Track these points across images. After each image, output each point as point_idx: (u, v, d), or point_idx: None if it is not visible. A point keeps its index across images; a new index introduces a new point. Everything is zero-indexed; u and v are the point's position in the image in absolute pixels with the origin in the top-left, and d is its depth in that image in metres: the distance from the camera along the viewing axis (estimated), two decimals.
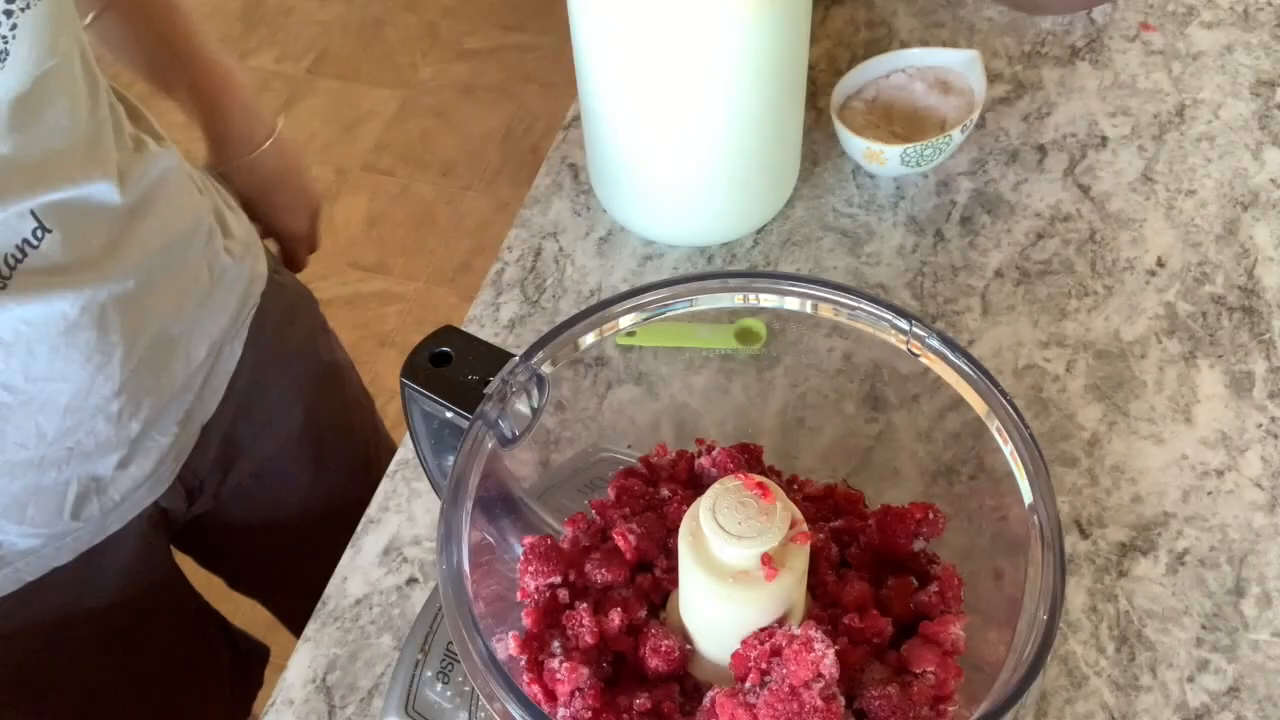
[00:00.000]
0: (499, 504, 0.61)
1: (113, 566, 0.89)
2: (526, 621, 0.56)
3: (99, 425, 0.78)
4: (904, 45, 1.05)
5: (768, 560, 0.51)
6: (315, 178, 1.08)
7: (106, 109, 0.76)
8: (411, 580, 0.77)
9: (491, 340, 0.60)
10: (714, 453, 0.63)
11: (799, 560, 0.52)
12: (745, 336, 0.80)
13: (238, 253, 0.90)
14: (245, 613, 1.17)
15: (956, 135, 0.92)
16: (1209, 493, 0.77)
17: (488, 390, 0.57)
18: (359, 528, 0.80)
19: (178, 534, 0.98)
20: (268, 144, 0.97)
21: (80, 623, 0.90)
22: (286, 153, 1.01)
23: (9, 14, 0.61)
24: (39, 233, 0.69)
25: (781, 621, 0.53)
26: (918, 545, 0.60)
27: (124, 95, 0.83)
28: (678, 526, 0.53)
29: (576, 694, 0.53)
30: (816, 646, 0.50)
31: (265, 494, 1.00)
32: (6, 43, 0.62)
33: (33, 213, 0.69)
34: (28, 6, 0.62)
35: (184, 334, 0.84)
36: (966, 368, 0.58)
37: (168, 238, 0.81)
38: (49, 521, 0.80)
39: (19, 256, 0.69)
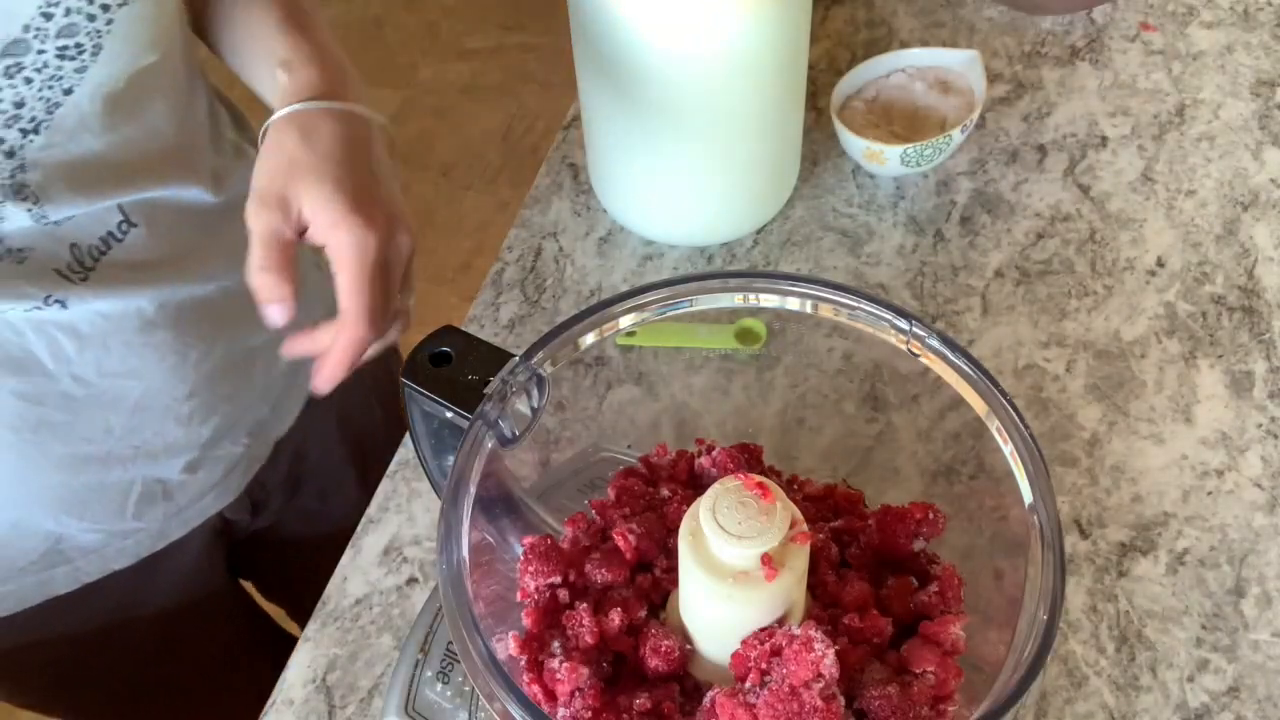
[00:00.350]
0: (499, 504, 0.61)
1: (172, 573, 0.89)
2: (526, 621, 0.56)
3: (168, 426, 0.78)
4: (904, 45, 1.05)
5: (768, 560, 0.51)
6: (406, 210, 0.69)
7: (205, 113, 0.76)
8: (411, 580, 0.77)
9: (491, 340, 0.60)
10: (714, 453, 0.63)
11: (799, 560, 0.52)
12: (745, 336, 0.80)
13: (326, 269, 0.89)
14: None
15: (956, 135, 0.92)
16: (1209, 493, 0.77)
17: (488, 390, 0.57)
18: (359, 528, 0.80)
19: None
20: (322, 105, 0.66)
21: (134, 627, 0.90)
22: (352, 139, 0.66)
23: (106, 8, 0.61)
24: (124, 226, 0.69)
25: (781, 621, 0.53)
26: (918, 545, 0.59)
27: (230, 102, 0.82)
28: (678, 526, 0.53)
29: (576, 694, 0.53)
30: (816, 646, 0.50)
31: (328, 512, 1.00)
32: (100, 36, 0.62)
33: (120, 207, 0.69)
34: (125, 2, 0.62)
35: (265, 344, 0.83)
36: (966, 368, 0.58)
37: None
38: (110, 519, 0.79)
39: (102, 249, 0.68)
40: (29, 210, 0.64)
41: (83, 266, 0.68)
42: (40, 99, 0.61)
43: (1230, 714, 0.69)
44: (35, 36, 0.59)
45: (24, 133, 0.61)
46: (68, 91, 0.62)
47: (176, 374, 0.76)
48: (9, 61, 0.59)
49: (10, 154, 0.61)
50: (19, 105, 0.60)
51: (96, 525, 0.79)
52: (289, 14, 0.71)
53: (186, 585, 0.91)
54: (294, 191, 0.62)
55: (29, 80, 0.60)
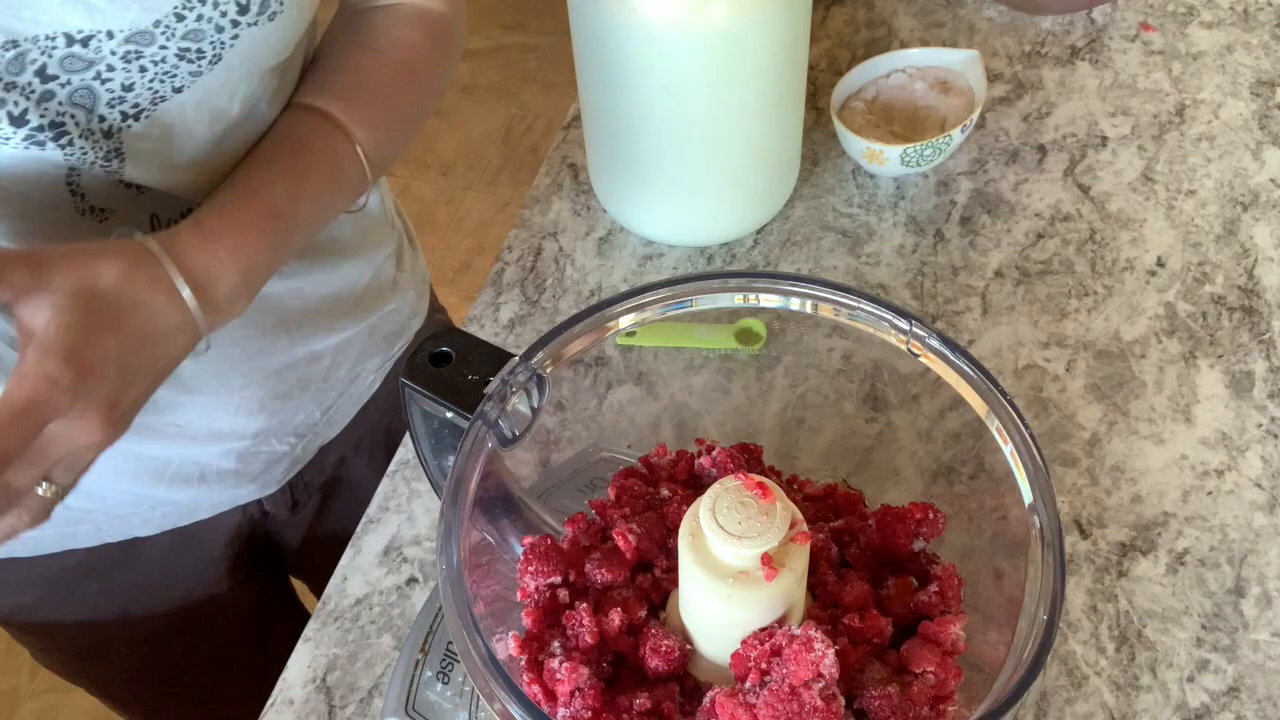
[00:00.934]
0: (499, 504, 0.61)
1: (203, 557, 0.89)
2: (526, 621, 0.56)
3: (215, 413, 0.77)
4: (904, 45, 1.05)
5: (768, 560, 0.51)
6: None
7: None
8: (411, 580, 0.77)
9: (491, 340, 0.60)
10: (714, 453, 0.63)
11: (799, 560, 0.52)
12: (745, 336, 0.80)
13: (404, 286, 0.90)
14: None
15: (956, 135, 0.92)
16: (1209, 493, 0.77)
17: (488, 390, 0.57)
18: (359, 527, 0.80)
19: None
20: (178, 278, 0.60)
21: (160, 605, 0.90)
22: (158, 322, 0.60)
23: (235, 24, 0.62)
24: None
25: (781, 621, 0.53)
26: (918, 545, 0.59)
27: None
28: (678, 526, 0.53)
29: (576, 694, 0.53)
30: (816, 646, 0.50)
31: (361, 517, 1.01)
32: (223, 48, 0.62)
33: None
34: (255, 24, 0.63)
35: (328, 350, 0.83)
36: (966, 368, 0.58)
37: (348, 255, 0.81)
38: (141, 485, 0.79)
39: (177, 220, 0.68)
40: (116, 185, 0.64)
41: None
42: (149, 89, 0.62)
43: (1230, 714, 0.69)
44: (162, 33, 0.60)
45: (124, 116, 0.62)
46: (177, 90, 0.63)
47: (232, 363, 0.76)
48: (130, 48, 0.59)
49: (109, 133, 0.62)
50: (127, 89, 0.61)
51: (127, 489, 0.79)
52: (264, 194, 0.66)
53: (216, 570, 0.91)
54: (62, 290, 0.55)
55: (144, 69, 0.61)
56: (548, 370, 0.59)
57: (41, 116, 0.58)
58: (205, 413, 0.77)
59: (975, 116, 0.93)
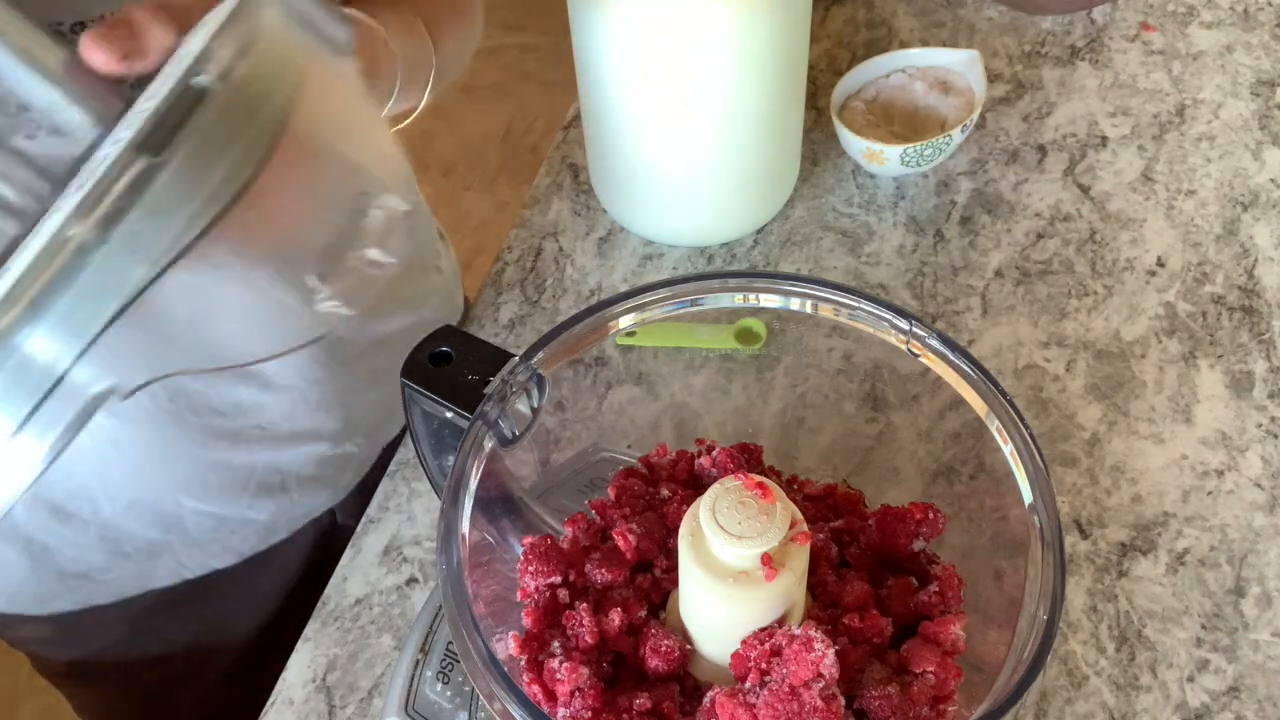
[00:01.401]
0: (499, 504, 0.61)
1: (281, 577, 0.89)
2: (526, 621, 0.56)
3: (297, 412, 0.78)
4: (904, 45, 1.05)
5: (768, 560, 0.51)
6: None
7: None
8: (411, 580, 0.77)
9: (491, 340, 0.60)
10: (714, 453, 0.63)
11: (799, 560, 0.52)
12: (745, 336, 0.80)
13: (446, 273, 0.91)
14: None
15: (956, 135, 0.92)
16: (1209, 493, 0.77)
17: (488, 390, 0.57)
18: (359, 527, 0.80)
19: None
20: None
21: (236, 637, 0.90)
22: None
23: None
24: None
25: (781, 621, 0.53)
26: (918, 545, 0.59)
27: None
28: (678, 526, 0.53)
29: (576, 694, 0.53)
30: (816, 646, 0.50)
31: None
32: None
33: None
34: None
35: (387, 340, 0.83)
36: (966, 368, 0.58)
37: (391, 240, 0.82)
38: (227, 502, 0.80)
39: None
40: None
41: None
42: None
43: (1230, 714, 0.69)
44: None
45: None
46: None
47: (309, 355, 0.76)
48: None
49: None
50: None
51: (213, 508, 0.79)
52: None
53: (286, 595, 0.91)
54: None
55: None
56: (548, 370, 0.59)
57: None
58: (288, 412, 0.77)
59: (975, 116, 0.93)
